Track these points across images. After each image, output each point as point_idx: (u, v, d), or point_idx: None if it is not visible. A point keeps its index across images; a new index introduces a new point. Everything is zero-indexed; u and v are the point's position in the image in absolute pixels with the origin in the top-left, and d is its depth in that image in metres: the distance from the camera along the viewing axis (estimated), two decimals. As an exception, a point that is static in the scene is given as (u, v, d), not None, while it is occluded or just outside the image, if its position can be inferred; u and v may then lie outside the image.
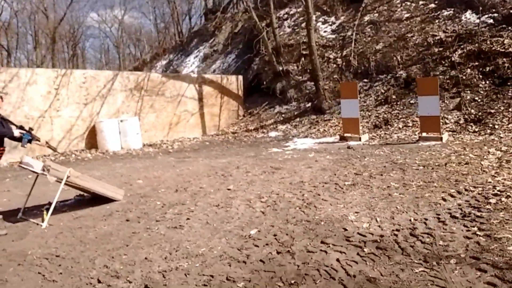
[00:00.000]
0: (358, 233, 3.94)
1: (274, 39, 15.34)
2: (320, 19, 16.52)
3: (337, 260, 3.40)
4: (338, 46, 15.03)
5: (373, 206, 4.73)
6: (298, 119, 13.60)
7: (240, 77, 15.71)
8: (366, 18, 15.37)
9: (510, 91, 10.77)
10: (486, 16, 12.92)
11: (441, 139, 9.33)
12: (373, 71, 13.61)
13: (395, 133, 10.81)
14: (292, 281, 3.08)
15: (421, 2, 14.71)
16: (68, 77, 10.74)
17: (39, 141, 5.08)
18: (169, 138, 13.02)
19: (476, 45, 12.15)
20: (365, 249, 3.55)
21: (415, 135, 10.45)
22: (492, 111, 10.42)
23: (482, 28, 12.56)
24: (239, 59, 18.95)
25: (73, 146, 10.96)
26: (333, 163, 7.50)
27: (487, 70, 11.55)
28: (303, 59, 15.30)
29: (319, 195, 5.32)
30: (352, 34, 14.88)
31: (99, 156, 10.56)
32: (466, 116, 10.69)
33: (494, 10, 12.87)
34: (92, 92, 11.27)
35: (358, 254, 3.49)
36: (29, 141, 4.96)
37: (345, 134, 10.56)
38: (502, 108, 10.41)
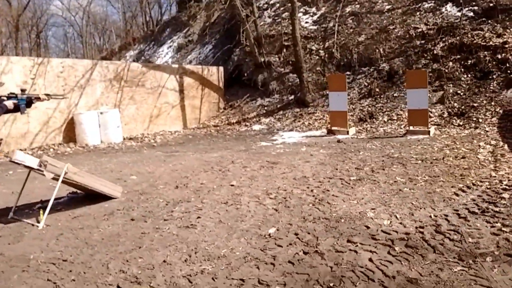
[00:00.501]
0: (382, 231, 3.84)
1: (256, 30, 15.07)
2: (301, 10, 16.36)
3: (370, 260, 3.27)
4: (320, 37, 14.95)
5: (387, 202, 4.64)
6: (281, 112, 13.46)
7: (221, 69, 15.39)
8: (348, 9, 15.34)
9: (491, 85, 11.00)
10: (467, 9, 13.14)
11: (428, 132, 9.41)
12: (355, 64, 13.61)
13: (381, 127, 10.85)
14: (331, 284, 2.94)
15: (402, -6, 14.81)
16: (45, 66, 10.14)
17: (39, 98, 4.60)
18: (150, 131, 12.60)
19: (458, 38, 12.34)
20: (395, 248, 3.44)
21: (401, 128, 10.52)
22: (475, 104, 10.61)
23: (463, 21, 12.76)
24: (217, 49, 18.58)
25: (50, 139, 10.40)
26: (330, 157, 7.41)
27: (469, 63, 11.75)
28: (285, 50, 15.14)
29: (328, 190, 5.19)
30: (334, 26, 14.83)
31: (79, 150, 10.06)
32: (449, 110, 10.85)
33: (474, 3, 13.10)
34: (70, 82, 10.72)
35: (389, 253, 3.38)
36: (28, 105, 4.52)
37: (333, 128, 10.49)
38: (484, 101, 10.62)
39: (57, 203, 5.32)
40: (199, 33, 24.07)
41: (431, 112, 10.88)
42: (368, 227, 3.95)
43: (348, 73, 13.70)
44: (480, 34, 12.17)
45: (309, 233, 3.88)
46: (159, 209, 4.79)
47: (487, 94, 10.81)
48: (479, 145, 7.82)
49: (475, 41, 12.00)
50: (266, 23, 16.58)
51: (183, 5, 27.52)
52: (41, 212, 4.52)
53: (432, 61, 12.41)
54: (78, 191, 5.65)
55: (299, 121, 12.52)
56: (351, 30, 14.55)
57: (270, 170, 6.51)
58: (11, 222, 4.62)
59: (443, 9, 13.61)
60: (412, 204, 4.52)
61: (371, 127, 10.99)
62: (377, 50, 13.45)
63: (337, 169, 6.38)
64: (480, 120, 9.94)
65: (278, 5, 17.35)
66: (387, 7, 14.72)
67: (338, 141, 9.35)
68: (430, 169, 6.09)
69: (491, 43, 11.75)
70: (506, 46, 11.45)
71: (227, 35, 18.27)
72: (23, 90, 4.60)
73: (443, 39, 12.64)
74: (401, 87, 12.37)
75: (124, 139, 11.43)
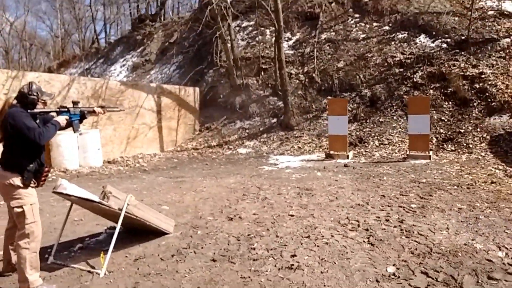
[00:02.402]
0: (509, 264, 3.55)
1: (232, 52, 14.68)
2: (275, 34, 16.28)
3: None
4: (298, 62, 14.90)
5: (478, 231, 4.38)
6: (265, 135, 13.06)
7: (197, 89, 14.73)
8: (324, 36, 15.51)
9: (473, 112, 11.47)
10: (440, 40, 13.79)
11: (429, 157, 9.51)
12: (336, 89, 13.67)
13: (376, 151, 10.84)
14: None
15: (375, 24, 15.27)
16: (20, 80, 8.93)
17: (93, 112, 3.86)
18: (127, 154, 11.57)
19: (435, 67, 12.84)
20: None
21: (396, 153, 10.58)
22: (462, 130, 10.97)
23: (438, 52, 13.35)
24: (184, 70, 17.90)
25: (22, 163, 9.11)
26: (358, 183, 7.11)
27: (449, 91, 12.22)
28: (262, 73, 14.88)
29: (403, 220, 4.83)
30: (312, 51, 14.88)
31: (61, 176, 8.88)
32: (437, 135, 11.12)
33: (446, 35, 13.78)
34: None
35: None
36: (81, 120, 3.78)
37: (331, 152, 10.28)
38: (470, 128, 11.01)
39: (97, 241, 4.46)
40: (157, 53, 23.24)
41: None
42: (490, 261, 3.64)
43: (329, 97, 13.71)
44: (456, 64, 12.78)
45: (437, 271, 3.47)
46: (234, 246, 4.14)
47: (471, 121, 11.23)
48: (491, 169, 7.98)
49: (453, 71, 12.56)
50: (240, 46, 16.27)
51: (137, 24, 26.51)
52: (102, 255, 3.68)
53: (413, 89, 12.77)
54: (115, 225, 4.78)
55: (286, 145, 12.20)
56: (329, 56, 14.68)
57: (312, 198, 6.04)
58: (56, 269, 3.72)
59: (417, 40, 14.18)
60: (506, 232, 4.30)
61: (365, 151, 10.94)
62: (358, 76, 13.64)
63: (383, 196, 6.07)
64: (471, 146, 10.25)
65: (250, 28, 17.17)
66: (362, 35, 15.07)
67: (345, 165, 9.12)
68: (475, 194, 5.99)
69: (468, 73, 12.34)
70: (483, 76, 12.08)
71: (196, 55, 17.71)
72: (75, 103, 3.83)
73: (421, 68, 13.10)
74: (385, 113, 12.57)
75: (103, 162, 10.35)
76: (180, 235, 4.51)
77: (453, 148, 10.35)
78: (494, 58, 12.66)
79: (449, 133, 11.04)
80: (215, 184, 7.30)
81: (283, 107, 13.40)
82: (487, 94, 11.64)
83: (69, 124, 3.73)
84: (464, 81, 12.18)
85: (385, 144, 11.24)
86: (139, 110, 12.06)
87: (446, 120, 11.57)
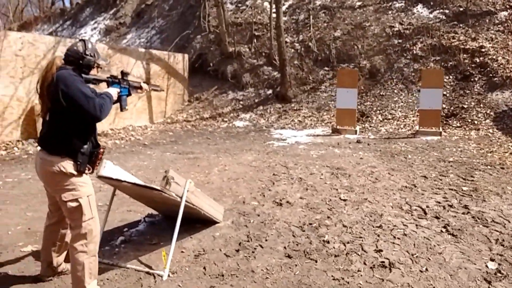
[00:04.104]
0: None
1: (223, 16, 13.76)
2: (267, -1, 15.47)
3: None
4: (292, 29, 14.22)
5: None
6: (261, 108, 12.47)
7: (186, 56, 13.77)
8: (318, 2, 14.82)
9: (475, 87, 11.31)
10: (437, 11, 13.46)
11: (440, 134, 9.28)
12: (334, 59, 13.16)
13: (381, 127, 10.52)
14: None
15: (371, -8, 14.73)
16: (1, 41, 7.86)
17: (140, 88, 3.19)
18: (116, 126, 10.68)
19: (435, 39, 12.54)
20: None
21: (402, 128, 10.32)
22: (465, 106, 10.80)
23: (436, 23, 13.04)
24: (166, 35, 16.79)
25: (6, 135, 8.15)
26: (385, 162, 6.75)
27: (449, 65, 11.98)
28: (255, 40, 14.12)
29: (466, 206, 4.48)
30: (307, 18, 14.21)
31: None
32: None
33: (444, 6, 13.45)
34: (30, 64, 8.50)
35: None
36: (128, 95, 3.09)
37: (339, 127, 9.86)
38: (473, 103, 10.86)
39: (138, 231, 3.85)
40: (133, 16, 21.81)
41: (422, 112, 10.86)
42: None
43: (326, 68, 13.23)
44: (456, 36, 12.53)
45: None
46: (303, 239, 3.64)
47: (473, 96, 11.06)
48: (509, 147, 7.84)
49: (453, 44, 12.30)
50: (229, 10, 15.34)
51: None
52: (164, 253, 3.10)
53: (413, 61, 12.46)
54: (154, 212, 4.18)
55: (286, 118, 11.68)
56: (325, 24, 14.07)
57: (351, 179, 5.61)
58: (105, 270, 3.10)
59: (414, 10, 13.79)
60: None
61: (370, 126, 10.61)
62: (356, 47, 13.16)
63: (425, 177, 5.72)
64: (476, 122, 10.10)
65: (240, -9, 16.19)
66: (358, 3, 14.52)
67: (358, 141, 8.75)
68: (516, 175, 5.76)
69: (468, 46, 12.12)
70: (483, 50, 11.89)
71: (180, 19, 16.62)
72: (124, 74, 3.14)
73: (421, 40, 12.77)
74: (386, 86, 12.23)
75: (93, 135, 9.49)
76: (232, 224, 3.97)
77: (458, 125, 10.18)
78: (492, 31, 12.48)
79: (452, 108, 10.85)
80: (234, 161, 6.72)
81: (279, 78, 12.79)
82: (488, 69, 11.48)
83: (118, 99, 3.04)
84: (464, 55, 11.96)
85: (389, 119, 10.94)
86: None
87: (448, 95, 11.36)
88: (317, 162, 6.67)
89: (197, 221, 3.92)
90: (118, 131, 10.21)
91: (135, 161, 6.88)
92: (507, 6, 13.09)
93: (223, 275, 3.04)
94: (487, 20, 12.84)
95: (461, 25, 12.88)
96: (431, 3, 13.71)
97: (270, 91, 12.95)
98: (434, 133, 9.29)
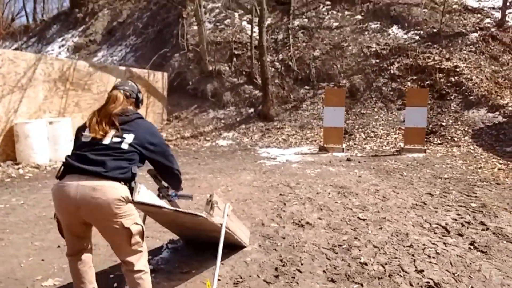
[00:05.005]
0: None
1: (203, 35, 13.68)
2: (244, 18, 15.55)
3: None
4: (272, 49, 14.32)
5: None
6: (243, 126, 12.37)
7: (166, 75, 13.55)
8: (297, 22, 15.05)
9: (452, 105, 11.72)
10: (412, 32, 13.96)
11: (425, 151, 9.49)
12: (314, 78, 13.32)
13: (365, 144, 10.66)
14: None
15: (347, 13, 15.12)
16: (-19, 58, 7.43)
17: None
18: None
19: (411, 59, 12.96)
20: None
21: (386, 146, 10.49)
22: (443, 123, 11.15)
23: (412, 44, 13.50)
24: (141, 52, 16.50)
25: (-18, 157, 7.65)
26: (383, 180, 6.78)
27: (426, 84, 12.38)
28: (235, 59, 14.10)
29: (482, 222, 4.53)
30: (286, 38, 14.38)
31: (35, 173, 7.56)
32: (420, 128, 11.20)
33: (418, 27, 13.98)
34: (10, 82, 8.06)
35: None
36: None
37: (326, 145, 9.90)
38: (451, 121, 11.23)
39: (162, 260, 3.62)
40: (103, 33, 21.35)
41: (403, 130, 11.10)
42: None
43: (306, 87, 13.36)
44: (431, 56, 13.00)
45: None
46: (338, 262, 3.53)
47: (450, 114, 11.45)
48: (495, 163, 8.11)
49: (429, 63, 12.76)
50: (208, 29, 15.28)
51: (77, 0, 24.07)
52: (208, 284, 2.90)
53: (391, 80, 12.81)
54: (175, 237, 3.96)
55: (269, 137, 11.63)
56: (304, 44, 14.27)
57: (359, 198, 5.57)
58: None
59: (390, 31, 14.25)
60: None
61: (355, 144, 10.73)
62: (335, 66, 13.40)
63: (430, 194, 5.78)
64: (456, 139, 10.42)
65: (217, 10, 16.19)
66: (335, 24, 14.85)
67: (348, 159, 8.79)
68: (514, 192, 5.93)
69: (443, 66, 12.60)
70: (457, 70, 12.39)
71: (157, 37, 16.39)
72: None
73: (397, 60, 13.17)
74: (366, 104, 12.48)
75: (74, 156, 9.06)
76: (260, 248, 3.81)
77: (439, 142, 10.46)
78: (465, 52, 13.05)
79: (431, 126, 11.16)
80: (235, 182, 6.56)
81: (260, 97, 12.80)
82: (463, 87, 11.94)
83: None
84: (440, 74, 12.41)
85: (372, 137, 11.12)
86: (108, 96, 10.77)
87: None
88: (318, 181, 6.62)
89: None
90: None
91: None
92: (477, 28, 13.78)
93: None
94: (460, 41, 13.42)
95: (435, 45, 13.39)
96: (406, 25, 14.23)
97: (251, 110, 12.90)
98: (419, 150, 9.49)
